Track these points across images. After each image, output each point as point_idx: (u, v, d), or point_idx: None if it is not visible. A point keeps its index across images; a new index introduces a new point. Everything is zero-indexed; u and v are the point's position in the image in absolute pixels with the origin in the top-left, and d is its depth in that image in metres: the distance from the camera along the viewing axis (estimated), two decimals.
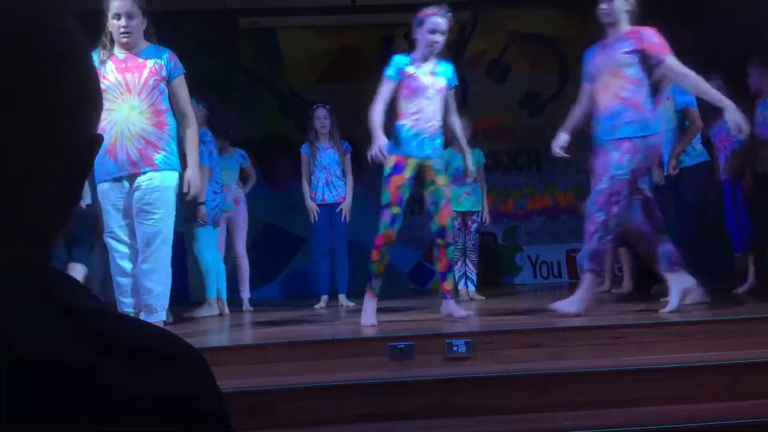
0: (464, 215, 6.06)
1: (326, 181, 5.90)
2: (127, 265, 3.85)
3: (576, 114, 4.29)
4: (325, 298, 5.85)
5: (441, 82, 4.13)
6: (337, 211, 5.88)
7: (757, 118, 5.15)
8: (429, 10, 4.08)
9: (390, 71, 4.10)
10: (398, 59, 4.13)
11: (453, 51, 8.05)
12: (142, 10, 3.83)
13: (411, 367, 3.38)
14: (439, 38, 4.06)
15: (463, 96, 7.97)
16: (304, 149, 5.96)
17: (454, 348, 3.42)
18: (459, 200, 6.01)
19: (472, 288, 6.09)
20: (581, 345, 3.49)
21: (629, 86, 3.98)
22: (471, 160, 4.46)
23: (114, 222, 3.83)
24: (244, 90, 7.65)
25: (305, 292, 7.07)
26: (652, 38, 3.97)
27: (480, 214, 6.05)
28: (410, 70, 4.09)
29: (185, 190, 3.89)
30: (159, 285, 3.79)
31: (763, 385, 3.08)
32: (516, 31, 8.06)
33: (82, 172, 0.62)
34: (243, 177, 6.03)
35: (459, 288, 6.08)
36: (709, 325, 3.58)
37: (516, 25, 8.04)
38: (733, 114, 3.76)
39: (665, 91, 4.82)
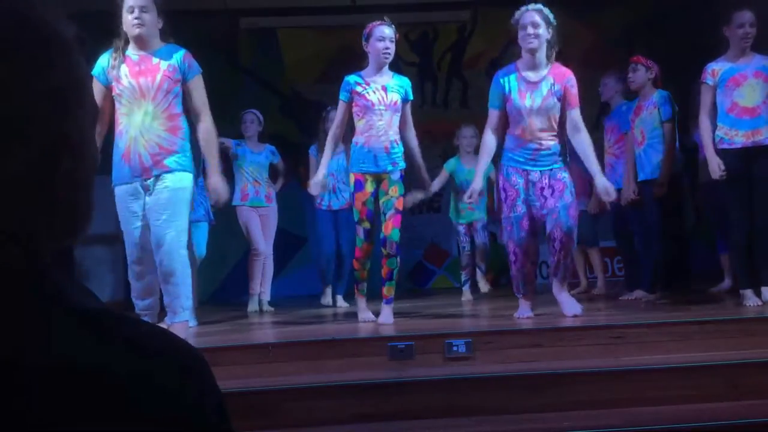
0: (468, 224, 5.97)
1: (333, 187, 5.68)
2: (136, 268, 3.84)
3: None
4: (329, 291, 5.76)
5: (393, 97, 4.21)
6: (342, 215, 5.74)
7: None
8: (374, 22, 4.24)
9: (342, 95, 4.24)
10: (348, 80, 4.25)
11: (452, 51, 8.11)
12: (158, 7, 3.79)
13: (411, 367, 3.38)
14: (389, 45, 4.19)
15: (463, 96, 8.00)
16: (312, 151, 5.76)
17: (454, 348, 3.42)
18: (462, 214, 5.92)
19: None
20: (581, 345, 3.48)
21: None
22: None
23: (129, 226, 3.81)
24: (244, 90, 7.64)
25: (305, 292, 7.06)
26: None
27: (484, 219, 5.95)
28: (359, 88, 4.20)
29: (212, 201, 4.04)
30: (177, 287, 3.74)
31: (763, 385, 3.08)
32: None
33: (56, 171, 0.60)
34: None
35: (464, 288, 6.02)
36: (709, 325, 3.58)
37: None
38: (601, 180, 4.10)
39: (648, 101, 4.89)
